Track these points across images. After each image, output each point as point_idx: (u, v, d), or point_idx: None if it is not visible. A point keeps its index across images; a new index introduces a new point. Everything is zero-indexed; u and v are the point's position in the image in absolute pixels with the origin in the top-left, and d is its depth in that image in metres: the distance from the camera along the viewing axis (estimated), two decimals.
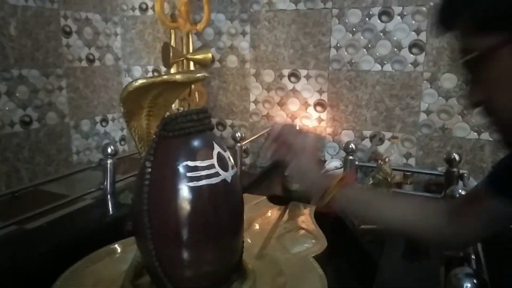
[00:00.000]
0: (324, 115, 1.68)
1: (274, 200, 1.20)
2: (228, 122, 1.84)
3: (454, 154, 1.06)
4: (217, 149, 0.68)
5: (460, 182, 1.01)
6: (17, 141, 1.47)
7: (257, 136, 1.65)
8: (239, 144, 1.37)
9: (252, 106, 1.80)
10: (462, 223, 0.65)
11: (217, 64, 1.80)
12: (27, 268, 0.83)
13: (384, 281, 0.72)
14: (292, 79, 1.71)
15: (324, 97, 1.67)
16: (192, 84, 0.74)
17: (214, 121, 1.86)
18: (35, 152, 1.53)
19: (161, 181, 0.65)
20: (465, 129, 1.46)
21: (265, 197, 1.22)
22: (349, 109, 1.63)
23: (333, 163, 1.47)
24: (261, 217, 1.09)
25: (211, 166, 0.65)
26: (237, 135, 1.37)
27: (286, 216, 1.10)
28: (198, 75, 0.72)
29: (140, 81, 0.67)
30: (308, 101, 1.70)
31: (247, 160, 1.84)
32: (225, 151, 0.70)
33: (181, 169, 0.64)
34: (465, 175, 1.03)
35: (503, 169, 0.64)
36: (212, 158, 0.66)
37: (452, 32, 0.54)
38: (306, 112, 1.71)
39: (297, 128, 0.80)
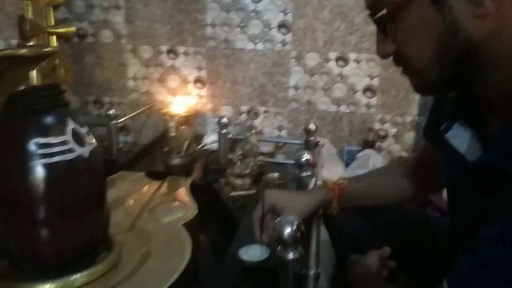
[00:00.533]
0: (204, 92, 1.73)
1: (153, 175, 1.22)
2: (106, 99, 1.78)
3: (311, 125, 1.19)
4: (71, 125, 0.68)
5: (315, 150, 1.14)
6: None
7: (136, 113, 1.64)
8: (113, 122, 1.35)
9: (131, 83, 1.76)
10: (426, 175, 0.81)
11: (90, 39, 1.72)
12: None
13: (243, 238, 0.81)
14: (171, 55, 1.71)
15: (203, 74, 1.71)
16: (42, 59, 0.72)
17: (91, 98, 1.79)
18: None
19: (11, 160, 0.63)
20: (326, 103, 1.63)
21: (142, 173, 1.23)
22: (227, 85, 1.70)
23: (211, 137, 1.54)
24: (137, 192, 1.11)
25: (65, 142, 0.65)
26: (111, 112, 1.35)
27: (163, 190, 1.13)
28: (47, 49, 0.70)
29: None
30: (187, 78, 1.73)
31: (129, 138, 1.81)
32: (82, 126, 0.70)
33: (31, 146, 0.63)
34: (320, 143, 1.17)
35: (427, 120, 0.77)
36: (65, 134, 0.66)
37: None
38: (186, 89, 1.73)
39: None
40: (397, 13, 0.51)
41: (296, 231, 0.53)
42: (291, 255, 0.53)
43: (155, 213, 0.97)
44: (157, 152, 1.50)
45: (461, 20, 0.48)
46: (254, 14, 1.61)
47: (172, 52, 1.71)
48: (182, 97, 1.72)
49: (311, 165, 0.88)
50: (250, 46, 1.64)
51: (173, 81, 1.74)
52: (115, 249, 0.77)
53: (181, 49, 1.70)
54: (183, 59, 1.71)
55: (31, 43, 1.01)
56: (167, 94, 1.74)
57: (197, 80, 1.72)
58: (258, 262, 0.67)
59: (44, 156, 0.63)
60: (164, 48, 1.71)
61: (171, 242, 0.83)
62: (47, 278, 0.68)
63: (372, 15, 0.55)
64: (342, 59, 1.58)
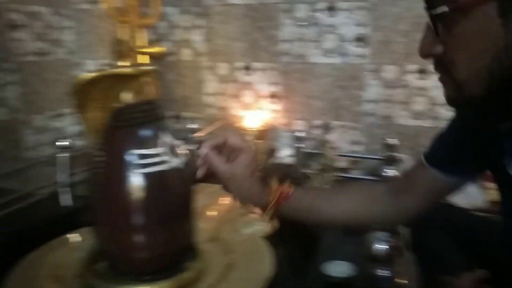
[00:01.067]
0: (277, 106, 1.75)
1: None
2: (185, 114, 1.87)
3: (391, 140, 1.15)
4: (166, 137, 0.72)
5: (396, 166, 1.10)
6: None
7: (213, 127, 1.70)
8: (191, 136, 1.41)
9: (208, 99, 1.84)
10: (403, 200, 0.70)
11: (171, 58, 1.82)
12: None
13: (325, 253, 0.80)
14: (246, 71, 1.76)
15: (277, 89, 1.73)
16: (141, 77, 0.78)
17: (171, 114, 1.89)
18: None
19: (113, 170, 0.69)
20: (405, 117, 1.57)
21: (219, 185, 1.27)
22: (301, 100, 1.70)
23: (286, 151, 1.54)
24: (215, 204, 1.14)
25: (161, 154, 0.70)
26: (192, 126, 1.41)
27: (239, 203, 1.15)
28: (146, 68, 0.76)
29: (89, 74, 0.71)
30: (261, 93, 1.76)
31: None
32: (175, 140, 0.74)
33: (131, 157, 0.68)
34: (401, 159, 1.13)
35: (437, 144, 0.71)
36: (161, 146, 0.70)
37: None
38: (260, 103, 1.77)
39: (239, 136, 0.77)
40: (457, 14, 0.47)
41: (389, 248, 0.51)
42: (383, 272, 0.52)
43: (235, 225, 0.99)
44: None
45: None
46: (328, 28, 1.61)
47: (247, 68, 1.76)
48: (256, 112, 1.75)
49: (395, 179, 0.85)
50: (324, 60, 1.64)
51: (247, 96, 1.78)
52: (201, 258, 0.80)
53: (256, 65, 1.74)
54: (257, 75, 1.75)
55: (126, 63, 1.09)
56: (241, 109, 1.79)
57: (271, 95, 1.75)
58: (345, 278, 0.66)
59: (141, 166, 0.68)
60: (240, 64, 1.76)
61: (253, 254, 0.84)
62: (141, 281, 0.72)
63: (428, 8, 0.50)
64: (422, 72, 1.52)
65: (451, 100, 0.53)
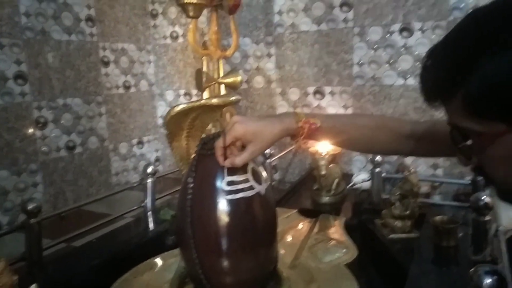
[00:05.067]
0: None
1: (305, 213, 1.25)
2: None
3: None
4: (251, 164, 0.74)
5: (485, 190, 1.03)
6: (62, 165, 1.58)
7: (284, 152, 1.71)
8: (269, 160, 1.44)
9: None
10: (423, 146, 0.74)
11: (244, 85, 1.89)
12: (78, 282, 0.90)
13: (413, 285, 0.76)
14: (317, 96, 1.77)
15: (349, 112, 1.71)
16: (225, 107, 0.81)
17: None
18: (78, 174, 1.64)
19: (202, 195, 0.72)
20: None
21: (295, 210, 1.27)
22: None
23: (361, 176, 1.51)
24: (292, 229, 1.14)
25: (247, 180, 0.72)
26: (266, 152, 1.43)
27: (317, 228, 1.14)
28: (232, 98, 0.80)
29: (181, 106, 0.75)
30: None
31: (276, 176, 1.89)
32: (258, 166, 0.76)
33: (219, 183, 0.70)
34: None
35: None
36: (247, 172, 0.72)
37: (440, 106, 0.53)
38: None
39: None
40: (483, 143, 0.50)
41: (498, 280, 0.47)
42: None
43: (315, 251, 0.98)
44: (305, 190, 1.53)
45: None
46: (403, 49, 1.57)
47: (318, 92, 1.76)
48: None
49: (489, 208, 0.79)
50: (400, 82, 1.59)
51: None
52: (284, 284, 0.80)
53: (328, 89, 1.74)
54: (329, 99, 1.75)
55: (205, 94, 1.15)
56: None
57: None
58: None
59: (229, 193, 0.70)
60: (311, 89, 1.77)
61: (336, 282, 0.82)
62: None
63: (455, 140, 0.54)
64: None
65: (500, 197, 0.59)
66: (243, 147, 0.70)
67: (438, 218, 0.96)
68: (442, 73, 0.50)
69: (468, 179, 1.19)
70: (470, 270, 0.49)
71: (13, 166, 1.39)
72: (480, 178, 1.11)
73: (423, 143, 0.75)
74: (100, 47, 1.73)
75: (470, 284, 0.49)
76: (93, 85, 1.71)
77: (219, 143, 0.69)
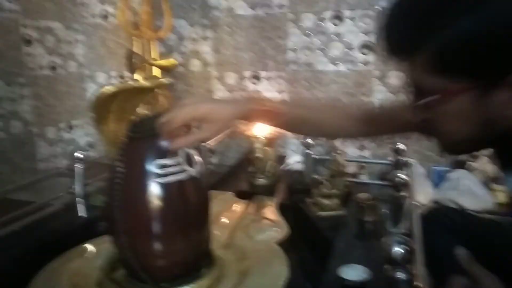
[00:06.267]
0: None
1: (240, 195, 1.28)
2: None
3: (399, 144, 1.17)
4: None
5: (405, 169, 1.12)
6: None
7: (221, 135, 1.72)
8: (203, 144, 1.44)
9: None
10: (375, 129, 0.80)
11: (180, 68, 1.86)
12: (2, 271, 0.85)
13: (338, 258, 0.81)
14: (254, 80, 1.79)
15: (284, 96, 1.76)
16: (157, 90, 0.80)
17: None
18: (0, 161, 1.53)
19: (132, 179, 0.71)
20: None
21: (231, 192, 1.29)
22: None
23: (294, 158, 1.56)
24: (227, 210, 1.16)
25: (178, 163, 0.72)
26: None
27: (251, 209, 1.17)
28: (163, 80, 0.79)
29: (109, 88, 0.73)
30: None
31: (213, 159, 1.90)
32: (191, 149, 0.76)
33: (150, 167, 0.70)
34: (410, 162, 1.14)
35: None
36: (178, 156, 0.72)
37: (402, 60, 0.54)
38: None
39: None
40: (444, 100, 0.52)
41: (404, 251, 0.53)
42: (400, 275, 0.53)
43: (248, 231, 1.00)
44: (241, 173, 1.55)
45: (505, 112, 0.49)
46: (335, 36, 1.64)
47: (254, 77, 1.78)
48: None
49: (406, 185, 0.87)
50: (331, 67, 1.66)
51: None
52: (217, 264, 0.82)
53: (263, 73, 1.77)
54: (265, 83, 1.78)
55: (140, 76, 1.12)
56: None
57: None
58: (361, 282, 0.67)
59: (160, 176, 0.70)
60: (247, 73, 1.79)
61: (268, 260, 0.86)
62: (161, 287, 0.74)
63: (417, 95, 0.56)
64: None
65: (440, 151, 0.61)
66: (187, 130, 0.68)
67: (361, 195, 1.03)
68: (410, 26, 0.50)
69: (390, 159, 1.28)
70: (382, 239, 0.54)
71: None
72: (401, 158, 1.20)
73: (372, 124, 0.79)
74: (21, 24, 1.61)
75: (383, 254, 0.54)
76: (14, 66, 1.59)
77: (167, 124, 0.65)
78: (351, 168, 1.46)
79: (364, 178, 1.49)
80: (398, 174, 0.81)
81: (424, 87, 0.53)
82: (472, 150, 0.60)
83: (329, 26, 1.64)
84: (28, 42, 1.65)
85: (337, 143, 1.63)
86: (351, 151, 1.61)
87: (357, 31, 1.60)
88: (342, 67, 1.65)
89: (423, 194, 1.20)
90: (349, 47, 1.62)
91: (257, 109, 0.70)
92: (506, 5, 0.45)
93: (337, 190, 1.11)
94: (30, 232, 1.04)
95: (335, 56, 1.65)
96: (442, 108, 0.53)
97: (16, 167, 1.59)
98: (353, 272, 0.70)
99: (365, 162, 1.49)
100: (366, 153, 1.66)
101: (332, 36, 1.64)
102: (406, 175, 0.87)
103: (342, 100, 1.66)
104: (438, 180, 1.50)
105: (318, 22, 1.65)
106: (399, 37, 0.52)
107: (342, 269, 0.72)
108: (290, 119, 0.76)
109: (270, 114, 0.72)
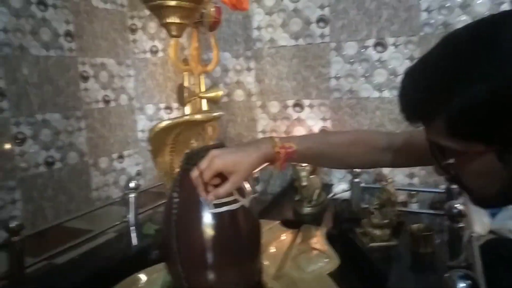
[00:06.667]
0: None
1: (287, 224, 1.27)
2: None
3: None
4: None
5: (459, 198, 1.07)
6: (41, 181, 1.56)
7: (266, 164, 1.73)
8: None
9: (260, 136, 1.89)
10: (400, 158, 0.78)
11: (225, 99, 1.91)
12: None
13: None
14: (297, 108, 1.81)
15: (328, 124, 1.76)
16: (208, 122, 0.83)
17: None
18: (58, 190, 1.62)
19: (187, 210, 0.73)
20: None
21: (278, 222, 1.29)
22: None
23: (341, 186, 1.54)
24: (275, 240, 1.16)
25: (231, 194, 0.74)
26: None
27: (299, 238, 1.16)
28: (215, 114, 0.82)
29: (165, 122, 0.77)
30: (312, 129, 1.79)
31: (258, 188, 1.91)
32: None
33: (203, 198, 0.72)
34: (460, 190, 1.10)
35: None
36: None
37: (420, 125, 0.56)
38: None
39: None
40: (463, 161, 0.53)
41: (470, 285, 0.50)
42: None
43: (298, 262, 1.00)
44: (286, 201, 1.55)
45: None
46: (378, 63, 1.63)
47: (297, 105, 1.80)
48: None
49: (463, 215, 0.83)
50: (375, 94, 1.65)
51: (299, 133, 1.82)
52: None
53: (306, 102, 1.78)
54: (308, 111, 1.79)
55: (186, 108, 1.17)
56: None
57: (322, 131, 1.77)
58: None
59: (213, 206, 0.72)
60: (290, 102, 1.81)
61: None
62: None
63: (437, 161, 0.57)
64: None
65: (474, 204, 0.61)
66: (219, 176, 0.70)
67: (415, 226, 0.99)
68: (423, 96, 0.53)
69: (442, 187, 1.24)
70: (445, 275, 0.52)
71: None
72: (454, 186, 1.16)
73: (400, 154, 0.78)
74: (79, 62, 1.73)
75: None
76: (72, 100, 1.70)
77: (197, 179, 0.69)
78: (400, 197, 1.42)
79: (415, 207, 1.44)
80: (456, 204, 0.78)
81: (444, 150, 0.55)
82: (506, 203, 0.59)
83: (372, 53, 1.64)
84: (85, 78, 1.76)
85: (386, 171, 1.60)
86: (399, 179, 1.57)
87: (401, 57, 1.59)
88: (386, 94, 1.63)
89: (480, 225, 1.14)
90: (394, 73, 1.60)
91: (279, 152, 0.72)
92: None
93: (388, 220, 1.08)
94: (87, 259, 1.09)
95: (379, 83, 1.64)
96: (464, 168, 0.55)
97: (72, 196, 1.67)
98: None
99: (416, 191, 1.45)
100: (415, 180, 1.61)
101: (375, 63, 1.63)
102: (462, 204, 0.84)
103: (381, 128, 1.64)
104: (494, 209, 1.43)
105: (361, 50, 1.65)
106: (414, 104, 0.55)
107: None
108: (314, 156, 0.78)
109: (292, 154, 0.73)
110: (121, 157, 1.94)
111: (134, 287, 0.91)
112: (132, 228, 1.19)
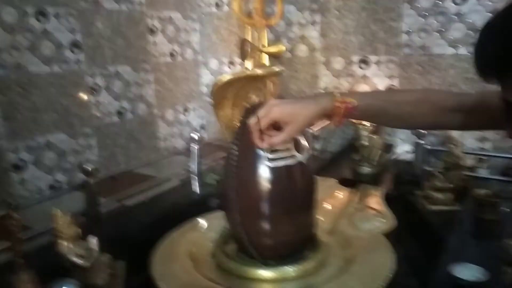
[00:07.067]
0: None
1: (345, 182, 1.27)
2: None
3: None
4: None
5: None
6: (114, 130, 1.68)
7: (327, 123, 1.71)
8: (310, 130, 1.45)
9: None
10: (471, 120, 0.73)
11: (287, 54, 1.88)
12: (130, 238, 0.97)
13: (451, 255, 0.77)
14: (362, 65, 1.74)
15: (395, 82, 1.68)
16: (269, 77, 0.84)
17: None
18: (128, 139, 1.73)
19: (246, 162, 0.76)
20: None
21: (336, 179, 1.29)
22: None
23: (403, 147, 1.49)
24: (331, 197, 1.16)
25: (288, 149, 0.75)
26: None
27: (356, 197, 1.16)
28: (276, 69, 0.82)
29: (227, 77, 0.78)
30: (378, 87, 1.72)
31: (318, 146, 1.90)
32: (300, 136, 0.78)
33: (262, 152, 0.74)
34: None
35: None
36: (289, 142, 0.75)
37: (495, 81, 0.53)
38: None
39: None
40: None
41: None
42: None
43: (353, 220, 1.00)
44: (346, 160, 1.54)
45: None
46: (456, 17, 1.50)
47: (363, 62, 1.73)
48: None
49: None
50: (450, 51, 1.53)
51: (363, 91, 1.76)
52: (322, 249, 0.84)
53: (373, 58, 1.70)
54: (374, 68, 1.71)
55: (248, 63, 1.17)
56: None
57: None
58: (477, 282, 0.63)
59: (272, 160, 0.74)
60: (356, 58, 1.74)
61: (373, 250, 0.85)
62: (267, 265, 0.78)
63: (509, 118, 0.53)
64: None
65: None
66: (276, 127, 0.71)
67: (481, 191, 0.95)
68: (500, 49, 0.50)
69: None
70: (504, 241, 0.50)
71: (70, 129, 1.50)
72: None
73: (470, 116, 0.73)
74: (148, 15, 1.78)
75: (503, 256, 0.50)
76: (142, 54, 1.77)
77: (254, 125, 0.70)
78: (468, 161, 1.34)
79: (483, 173, 1.36)
80: None
81: None
82: None
83: (451, 5, 1.50)
84: (152, 31, 1.82)
85: (455, 133, 1.51)
86: (469, 142, 1.48)
87: (482, 10, 1.45)
88: (463, 50, 1.51)
89: None
90: (472, 28, 1.47)
91: (339, 106, 0.70)
92: None
93: (451, 184, 1.04)
94: (154, 203, 1.18)
95: (455, 38, 1.51)
96: None
97: (141, 145, 1.78)
98: (467, 271, 0.66)
99: (485, 155, 1.36)
100: (487, 145, 1.50)
101: (453, 16, 1.50)
102: None
103: (454, 88, 1.53)
104: None
105: (438, 1, 1.52)
106: (490, 59, 0.51)
107: (455, 267, 0.68)
108: (376, 113, 0.74)
109: (352, 109, 0.71)
110: (186, 110, 2.02)
111: (195, 231, 0.98)
112: (195, 177, 1.26)
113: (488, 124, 0.73)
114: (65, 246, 0.69)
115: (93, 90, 1.57)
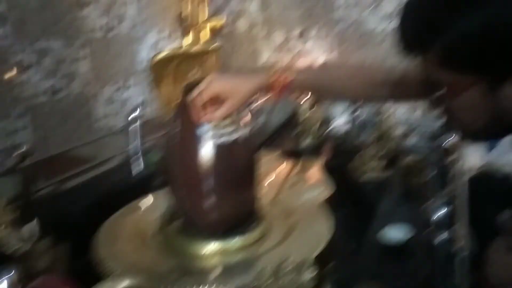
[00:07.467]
0: None
1: (286, 155, 1.31)
2: None
3: None
4: None
5: None
6: (47, 109, 1.58)
7: (268, 97, 1.74)
8: (252, 105, 1.47)
9: None
10: (401, 92, 0.77)
11: (227, 28, 1.86)
12: (71, 222, 0.94)
13: (382, 219, 0.83)
14: (301, 40, 1.77)
15: (332, 57, 1.73)
16: (208, 54, 0.83)
17: None
18: (63, 118, 1.65)
19: (188, 139, 0.76)
20: None
21: (277, 152, 1.33)
22: None
23: (341, 119, 1.56)
24: (274, 170, 1.20)
25: (230, 125, 0.76)
26: None
27: (297, 169, 1.20)
28: (214, 45, 0.81)
29: (163, 53, 0.77)
30: (317, 61, 1.77)
31: (260, 120, 1.93)
32: (242, 111, 0.80)
33: (204, 128, 0.74)
34: None
35: None
36: (230, 117, 0.76)
37: (416, 55, 0.56)
38: None
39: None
40: (456, 92, 0.54)
41: (450, 213, 0.54)
42: (443, 236, 0.55)
43: (294, 190, 1.05)
44: (287, 134, 1.58)
45: None
46: None
47: (302, 36, 1.76)
48: None
49: (456, 148, 0.86)
50: (382, 26, 1.60)
51: (302, 65, 1.79)
52: (264, 220, 0.87)
53: (311, 33, 1.74)
54: (312, 43, 1.75)
55: (190, 38, 1.16)
56: None
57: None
58: (404, 240, 0.70)
59: (213, 136, 0.75)
60: (295, 33, 1.77)
61: (313, 218, 0.89)
62: (213, 238, 0.80)
63: (431, 88, 0.57)
64: None
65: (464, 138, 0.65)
66: (217, 102, 0.72)
67: (409, 158, 1.02)
68: (420, 23, 0.54)
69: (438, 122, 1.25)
70: (423, 205, 0.56)
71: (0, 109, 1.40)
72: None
73: (396, 88, 0.78)
74: None
75: (427, 216, 0.55)
76: (74, 27, 1.66)
77: (195, 100, 0.71)
78: (399, 130, 1.43)
79: (413, 141, 1.47)
80: (449, 138, 0.80)
81: (437, 82, 0.56)
82: (494, 137, 0.61)
83: None
84: (84, 3, 1.71)
85: (387, 104, 1.61)
86: (400, 112, 1.58)
87: None
88: (394, 25, 1.58)
89: (474, 158, 1.17)
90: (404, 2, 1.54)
91: (277, 81, 0.74)
92: None
93: (384, 152, 1.12)
94: (94, 184, 1.14)
95: (386, 13, 1.58)
96: (454, 101, 0.56)
97: (77, 124, 1.70)
98: (395, 232, 0.73)
99: (414, 124, 1.46)
100: (417, 114, 1.61)
101: None
102: (456, 138, 0.86)
103: (387, 62, 1.61)
104: (492, 143, 1.45)
105: None
106: (410, 34, 0.55)
107: (385, 230, 0.74)
108: (312, 87, 0.80)
109: (289, 84, 0.74)
110: (124, 87, 1.95)
111: (139, 211, 0.97)
112: (136, 156, 1.24)
113: (412, 95, 0.78)
114: (2, 231, 0.66)
115: (21, 67, 1.47)
